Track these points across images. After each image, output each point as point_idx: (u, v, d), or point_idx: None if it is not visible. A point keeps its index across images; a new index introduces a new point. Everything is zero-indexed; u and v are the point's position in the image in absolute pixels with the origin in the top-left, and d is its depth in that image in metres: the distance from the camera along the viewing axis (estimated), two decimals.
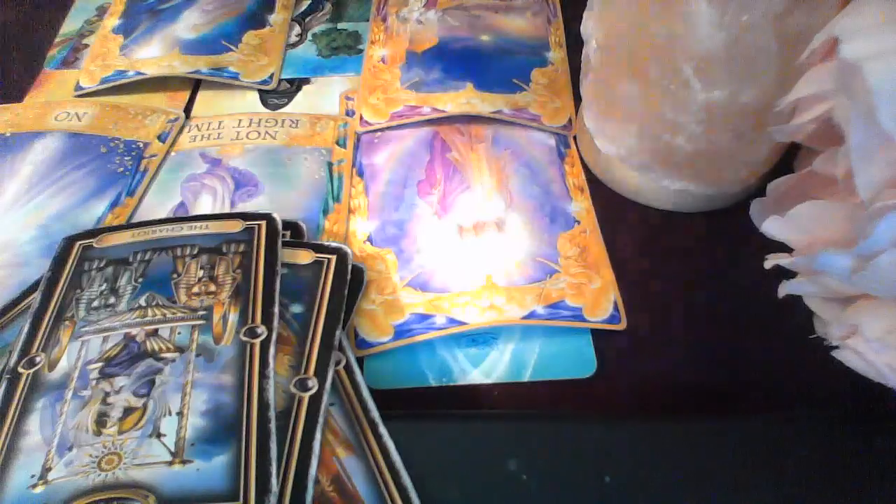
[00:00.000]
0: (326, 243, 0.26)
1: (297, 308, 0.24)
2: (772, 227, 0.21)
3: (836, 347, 0.20)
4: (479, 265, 0.27)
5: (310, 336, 0.23)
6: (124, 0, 0.39)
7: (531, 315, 0.25)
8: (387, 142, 0.32)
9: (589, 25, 0.27)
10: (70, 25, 0.39)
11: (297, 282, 0.24)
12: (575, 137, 0.33)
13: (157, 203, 0.29)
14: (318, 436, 0.20)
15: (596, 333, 0.26)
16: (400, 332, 0.25)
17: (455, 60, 0.35)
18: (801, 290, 0.21)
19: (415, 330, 0.25)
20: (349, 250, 0.25)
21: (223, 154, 0.31)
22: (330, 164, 0.31)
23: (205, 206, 0.29)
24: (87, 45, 0.37)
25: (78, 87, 0.35)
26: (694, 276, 0.28)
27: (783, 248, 0.21)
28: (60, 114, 0.33)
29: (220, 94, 0.35)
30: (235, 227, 0.26)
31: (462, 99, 0.33)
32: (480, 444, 0.20)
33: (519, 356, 0.25)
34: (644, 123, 0.26)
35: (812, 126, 0.20)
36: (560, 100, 0.34)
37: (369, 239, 0.28)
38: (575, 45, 0.34)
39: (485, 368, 0.25)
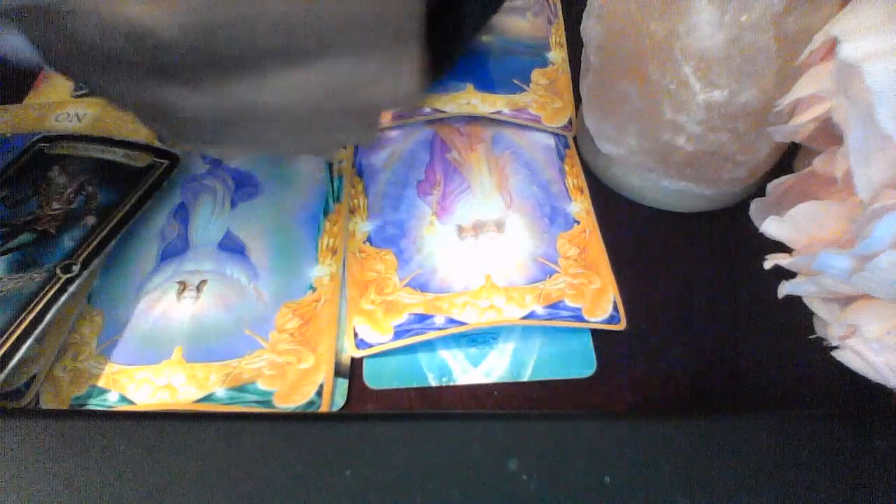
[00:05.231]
0: (169, 149, 0.29)
1: (106, 197, 0.27)
2: (771, 227, 0.21)
3: (836, 347, 0.20)
4: (479, 265, 0.27)
5: (99, 227, 0.26)
6: None
7: (531, 315, 0.25)
8: (387, 142, 0.32)
9: (589, 25, 0.27)
10: None
11: (125, 175, 0.28)
12: (575, 138, 0.33)
13: (156, 203, 0.29)
14: (52, 311, 0.23)
15: (596, 333, 0.26)
16: (400, 332, 0.25)
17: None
18: (801, 290, 0.21)
19: (414, 330, 0.25)
20: (183, 160, 0.29)
21: (223, 154, 0.31)
22: (330, 165, 0.31)
23: (205, 206, 0.29)
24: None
25: (77, 88, 0.35)
26: (694, 276, 0.28)
27: (783, 248, 0.21)
28: (60, 114, 0.33)
29: None
30: (144, 160, 0.29)
31: (462, 99, 0.33)
32: (480, 444, 0.20)
33: (519, 356, 0.25)
34: (644, 123, 0.26)
35: (812, 126, 0.20)
36: (560, 100, 0.34)
37: (369, 239, 0.28)
38: (575, 45, 0.34)
39: (485, 368, 0.25)
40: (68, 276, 0.24)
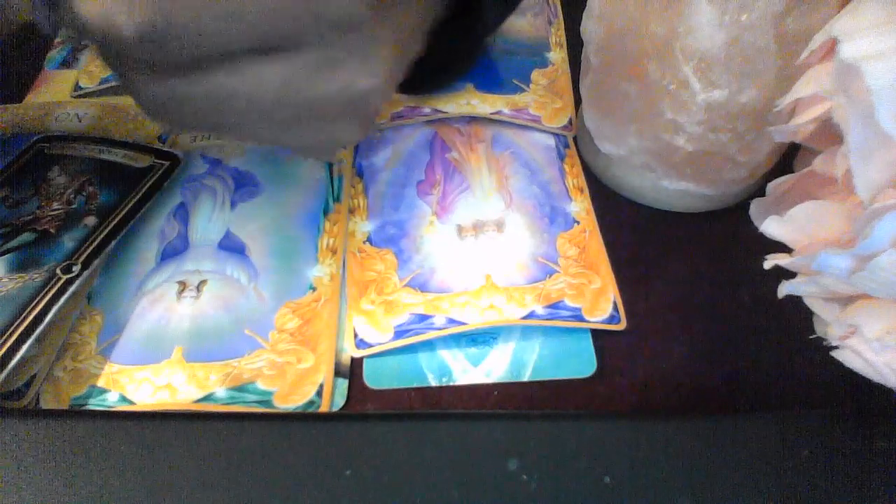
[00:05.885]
0: (169, 150, 0.29)
1: (106, 197, 0.27)
2: (771, 227, 0.21)
3: (836, 347, 0.20)
4: (479, 265, 0.27)
5: (99, 227, 0.26)
6: None
7: (531, 315, 0.25)
8: (387, 142, 0.32)
9: (589, 25, 0.27)
10: None
11: (126, 175, 0.29)
12: (575, 138, 0.33)
13: (156, 203, 0.29)
14: (52, 312, 0.23)
15: (596, 333, 0.26)
16: (399, 332, 0.25)
17: None
18: (801, 290, 0.21)
19: (414, 330, 0.25)
20: (183, 161, 0.29)
21: (223, 154, 0.31)
22: (330, 165, 0.31)
23: (205, 206, 0.29)
24: (86, 46, 0.37)
25: (77, 88, 0.35)
26: (694, 276, 0.28)
27: (783, 248, 0.21)
28: (60, 114, 0.33)
29: None
30: (145, 160, 0.29)
31: (462, 99, 0.33)
32: (480, 444, 0.20)
33: (519, 356, 0.25)
34: (644, 123, 0.26)
35: (812, 126, 0.20)
36: (560, 100, 0.34)
37: (369, 239, 0.28)
38: (575, 45, 0.34)
39: (485, 368, 0.25)
40: (68, 276, 0.24)
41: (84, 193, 0.27)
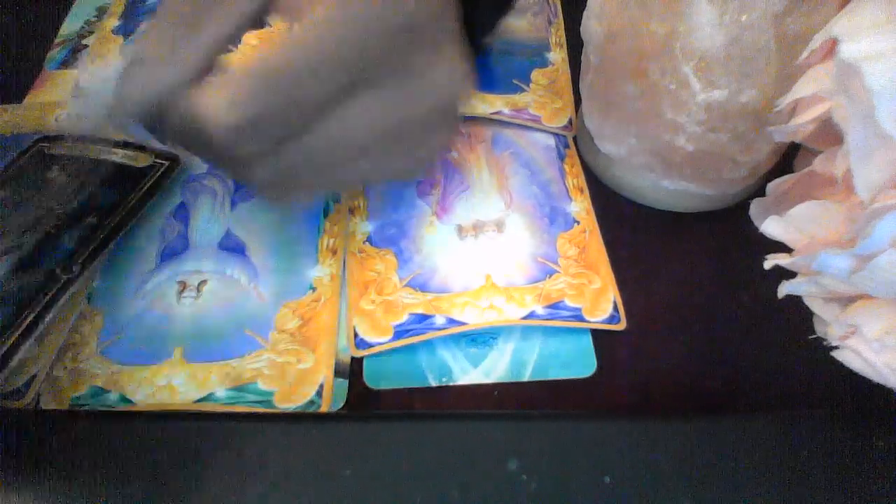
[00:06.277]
0: (169, 150, 0.29)
1: (106, 198, 0.27)
2: (772, 227, 0.21)
3: (836, 347, 0.20)
4: (479, 265, 0.27)
5: (99, 228, 0.26)
6: (124, 1, 0.39)
7: (531, 315, 0.25)
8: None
9: (589, 25, 0.27)
10: (70, 26, 0.39)
11: (126, 175, 0.28)
12: (575, 138, 0.33)
13: (157, 203, 0.29)
14: (52, 312, 0.24)
15: (596, 333, 0.26)
16: (399, 332, 0.25)
17: None
18: (801, 290, 0.21)
19: (414, 330, 0.25)
20: (183, 162, 0.29)
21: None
22: None
23: (205, 206, 0.29)
24: (86, 46, 0.37)
25: (77, 88, 0.35)
26: (694, 276, 0.28)
27: (783, 248, 0.21)
28: (60, 114, 0.33)
29: None
30: (145, 160, 0.29)
31: None
32: (480, 444, 0.20)
33: (519, 356, 0.25)
34: (644, 123, 0.26)
35: (812, 126, 0.20)
36: (560, 100, 0.34)
37: (369, 239, 0.28)
38: (575, 45, 0.34)
39: (485, 368, 0.25)
40: (68, 276, 0.24)
41: (84, 193, 0.27)
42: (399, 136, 0.22)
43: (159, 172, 0.29)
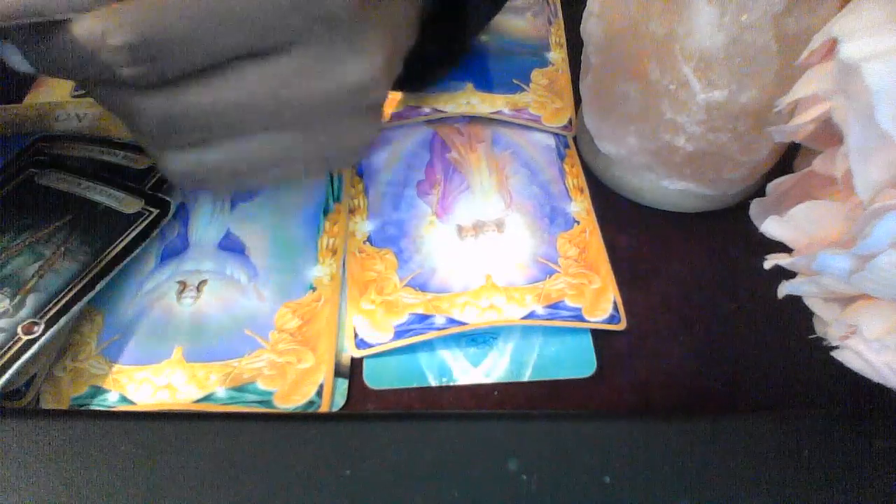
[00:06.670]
0: (160, 196, 0.27)
1: (91, 247, 0.25)
2: (772, 227, 0.21)
3: (836, 347, 0.20)
4: (479, 265, 0.27)
5: (77, 279, 0.24)
6: None
7: (531, 315, 0.25)
8: (387, 142, 0.32)
9: (589, 25, 0.27)
10: None
11: (109, 222, 0.26)
12: (575, 138, 0.33)
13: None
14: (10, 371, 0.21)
15: (596, 333, 0.26)
16: (400, 332, 0.25)
17: None
18: (801, 290, 0.21)
19: (414, 330, 0.25)
20: (174, 208, 0.27)
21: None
22: None
23: (205, 206, 0.29)
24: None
25: (77, 88, 0.35)
26: (694, 276, 0.28)
27: (783, 248, 0.21)
28: (60, 114, 0.33)
29: None
30: (134, 206, 0.27)
31: (462, 99, 0.33)
32: (480, 444, 0.20)
33: (519, 356, 0.25)
34: (644, 123, 0.26)
35: (812, 126, 0.20)
36: (560, 100, 0.34)
37: (369, 239, 0.28)
38: (575, 45, 0.34)
39: (485, 368, 0.25)
40: (29, 337, 0.23)
41: (63, 234, 0.26)
42: (304, 115, 0.21)
43: (146, 221, 0.27)
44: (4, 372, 0.21)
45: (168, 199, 0.27)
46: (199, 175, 0.22)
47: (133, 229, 0.26)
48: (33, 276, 0.24)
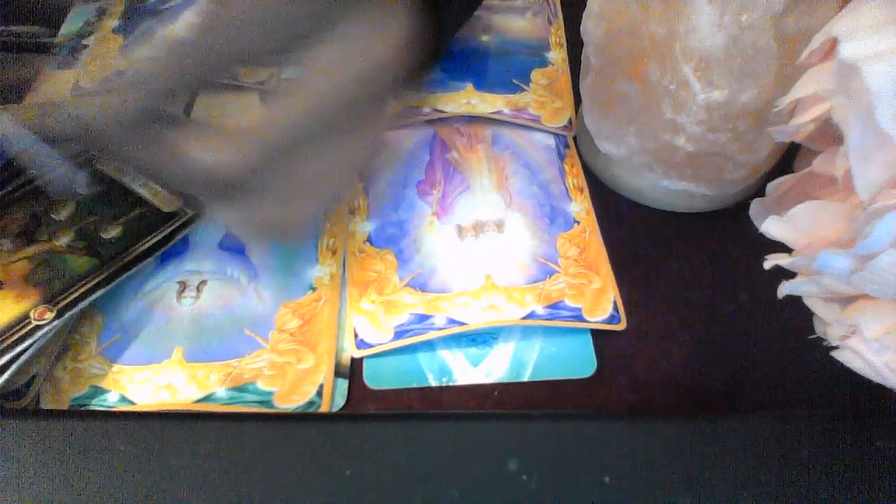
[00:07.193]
0: (196, 200, 0.27)
1: (115, 232, 0.26)
2: (772, 227, 0.21)
3: (836, 347, 0.20)
4: (479, 265, 0.27)
5: (98, 270, 0.24)
6: (124, 1, 0.39)
7: (531, 315, 0.25)
8: (387, 142, 0.32)
9: (589, 25, 0.27)
10: (70, 26, 0.39)
11: (146, 216, 0.27)
12: (575, 138, 0.33)
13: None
14: (24, 356, 0.22)
15: (596, 333, 0.26)
16: (400, 332, 0.25)
17: (455, 60, 0.35)
18: (801, 290, 0.21)
19: (414, 330, 0.25)
20: (205, 215, 0.27)
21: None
22: None
23: None
24: (86, 46, 0.37)
25: (77, 88, 0.35)
26: (694, 276, 0.28)
27: (783, 248, 0.21)
28: (61, 114, 0.33)
29: (219, 97, 0.35)
30: (171, 204, 0.27)
31: (462, 99, 0.33)
32: (480, 444, 0.20)
33: (519, 356, 0.25)
34: (644, 123, 0.26)
35: (812, 126, 0.20)
36: (560, 100, 0.34)
37: (369, 239, 0.28)
38: (575, 45, 0.34)
39: (485, 368, 0.25)
40: (38, 322, 0.23)
41: (108, 215, 0.26)
42: (338, 109, 0.22)
43: (180, 221, 0.27)
44: (9, 351, 0.22)
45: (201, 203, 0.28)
46: (253, 229, 0.23)
47: (166, 227, 0.26)
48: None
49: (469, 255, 0.28)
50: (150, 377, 0.24)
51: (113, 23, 0.38)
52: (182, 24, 0.37)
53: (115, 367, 0.24)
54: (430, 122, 0.33)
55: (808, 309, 0.22)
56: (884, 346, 0.19)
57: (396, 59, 0.22)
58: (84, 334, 0.25)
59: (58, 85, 0.36)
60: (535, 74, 0.35)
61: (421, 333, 0.25)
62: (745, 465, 0.19)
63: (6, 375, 0.21)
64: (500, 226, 0.29)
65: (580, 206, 0.30)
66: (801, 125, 0.20)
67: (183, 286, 0.26)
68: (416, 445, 0.20)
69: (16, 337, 0.22)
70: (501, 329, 0.26)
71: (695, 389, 0.24)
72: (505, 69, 0.35)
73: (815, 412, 0.22)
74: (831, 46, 0.18)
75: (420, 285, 0.27)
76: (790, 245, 0.21)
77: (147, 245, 0.26)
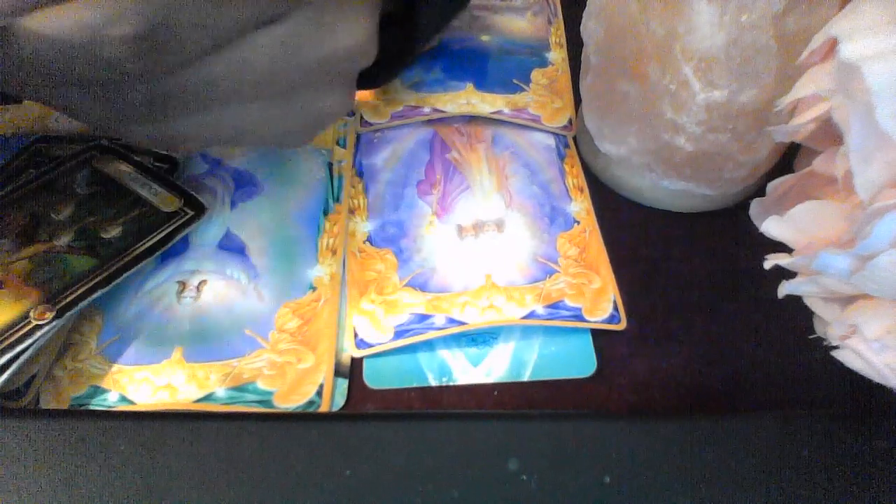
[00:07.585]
0: (196, 196, 0.27)
1: (115, 232, 0.25)
2: (772, 227, 0.21)
3: (836, 347, 0.20)
4: (479, 265, 0.27)
5: (98, 270, 0.24)
6: None
7: (531, 315, 0.25)
8: (387, 142, 0.32)
9: (589, 25, 0.27)
10: None
11: (146, 216, 0.26)
12: (575, 138, 0.33)
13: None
14: (24, 356, 0.22)
15: (596, 333, 0.26)
16: (400, 332, 0.25)
17: (455, 60, 0.35)
18: (801, 290, 0.21)
19: (414, 330, 0.25)
20: (207, 210, 0.27)
21: (223, 154, 0.31)
22: (330, 165, 0.31)
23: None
24: None
25: None
26: (694, 276, 0.28)
27: (783, 248, 0.21)
28: (60, 114, 0.33)
29: None
30: (172, 204, 0.27)
31: (462, 99, 0.33)
32: (480, 444, 0.20)
33: (519, 356, 0.25)
34: (644, 123, 0.26)
35: (812, 126, 0.20)
36: (560, 100, 0.34)
37: (369, 239, 0.28)
38: (575, 45, 0.34)
39: (485, 368, 0.25)
40: (38, 322, 0.23)
41: (107, 213, 0.26)
42: (292, 83, 0.21)
43: (180, 221, 0.27)
44: (9, 351, 0.22)
45: (203, 201, 0.27)
46: (166, 142, 0.22)
47: (166, 227, 0.26)
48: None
49: (469, 255, 0.28)
50: (149, 377, 0.24)
51: None
52: None
53: (115, 367, 0.24)
54: (430, 121, 0.33)
55: (808, 309, 0.22)
56: (884, 346, 0.19)
57: (358, 44, 0.21)
58: (84, 334, 0.25)
59: None
60: (535, 74, 0.35)
61: (421, 333, 0.25)
62: (745, 465, 0.19)
63: (6, 375, 0.21)
64: (500, 225, 0.29)
65: (580, 206, 0.30)
66: (801, 125, 0.20)
67: (183, 286, 0.26)
68: (416, 445, 0.20)
69: (16, 337, 0.22)
70: (501, 329, 0.26)
71: (695, 389, 0.25)
72: (505, 69, 0.35)
73: (815, 412, 0.22)
74: (831, 46, 0.18)
75: (420, 285, 0.27)
76: (790, 245, 0.21)
77: (147, 245, 0.26)
